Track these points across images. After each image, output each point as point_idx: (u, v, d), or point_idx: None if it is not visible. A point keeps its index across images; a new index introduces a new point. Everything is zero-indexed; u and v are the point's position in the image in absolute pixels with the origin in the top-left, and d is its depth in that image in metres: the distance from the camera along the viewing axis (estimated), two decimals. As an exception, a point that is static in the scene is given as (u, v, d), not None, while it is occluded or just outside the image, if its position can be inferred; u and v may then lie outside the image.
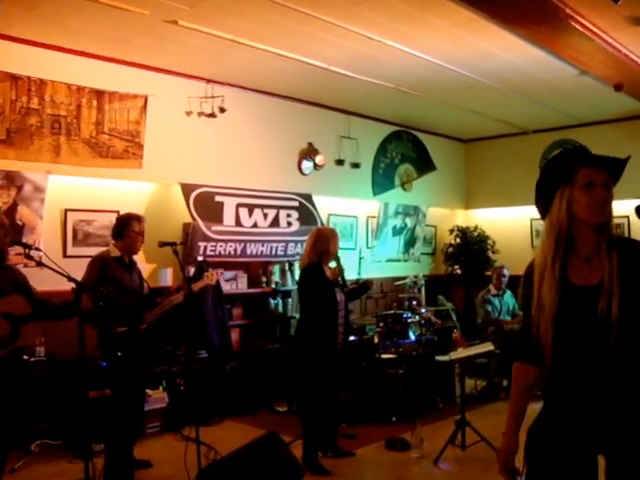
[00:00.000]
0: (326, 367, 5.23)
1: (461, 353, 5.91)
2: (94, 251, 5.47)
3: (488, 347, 5.97)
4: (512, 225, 10.88)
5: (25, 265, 5.64)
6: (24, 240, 5.55)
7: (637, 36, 5.95)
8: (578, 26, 5.58)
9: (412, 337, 7.19)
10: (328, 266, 5.38)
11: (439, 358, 6.47)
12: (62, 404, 5.66)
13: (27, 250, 4.26)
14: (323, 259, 5.35)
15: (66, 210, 6.48)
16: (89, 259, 5.01)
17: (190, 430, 4.85)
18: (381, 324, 7.30)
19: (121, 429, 4.93)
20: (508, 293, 8.07)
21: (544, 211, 2.49)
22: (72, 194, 6.52)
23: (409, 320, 7.28)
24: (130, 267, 5.06)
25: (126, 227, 4.99)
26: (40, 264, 4.29)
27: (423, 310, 7.59)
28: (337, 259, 5.44)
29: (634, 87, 7.51)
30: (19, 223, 6.05)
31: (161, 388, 6.41)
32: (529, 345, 2.37)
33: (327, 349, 5.23)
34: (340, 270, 5.41)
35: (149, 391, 6.11)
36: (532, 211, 9.88)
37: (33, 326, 4.34)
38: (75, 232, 6.54)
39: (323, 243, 5.38)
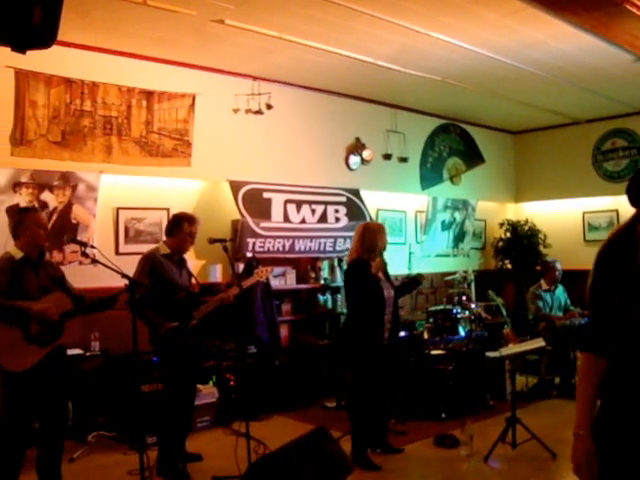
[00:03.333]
0: (373, 363, 5.21)
1: (512, 349, 5.82)
2: (145, 248, 5.58)
3: (539, 343, 5.86)
4: (564, 218, 10.68)
5: (80, 262, 5.82)
6: (79, 238, 5.70)
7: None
8: (635, 9, 5.40)
9: (462, 333, 7.12)
10: (376, 261, 5.32)
11: (489, 354, 6.40)
12: (116, 397, 5.80)
13: (83, 248, 4.38)
14: (370, 255, 5.31)
15: (118, 208, 6.62)
16: (140, 256, 5.10)
17: (240, 425, 4.93)
18: (431, 320, 7.24)
19: (173, 423, 5.02)
20: (560, 288, 7.92)
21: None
22: (123, 193, 6.66)
23: (459, 316, 7.20)
24: (180, 264, 5.14)
25: (177, 226, 5.08)
26: (95, 261, 4.39)
27: (473, 305, 7.49)
28: (380, 254, 5.39)
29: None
30: (74, 222, 6.22)
31: (211, 383, 6.49)
32: (602, 336, 2.19)
33: (373, 345, 5.20)
34: (383, 264, 5.38)
35: (200, 386, 6.19)
36: (584, 204, 9.73)
37: (80, 322, 4.45)
38: (127, 230, 6.67)
39: (371, 238, 5.35)
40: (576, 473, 2.21)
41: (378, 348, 5.22)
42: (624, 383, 2.13)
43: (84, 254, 4.38)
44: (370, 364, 5.20)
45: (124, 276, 4.11)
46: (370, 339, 5.20)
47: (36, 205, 5.82)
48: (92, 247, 4.60)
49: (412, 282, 5.94)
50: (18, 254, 4.31)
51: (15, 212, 4.79)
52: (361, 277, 5.29)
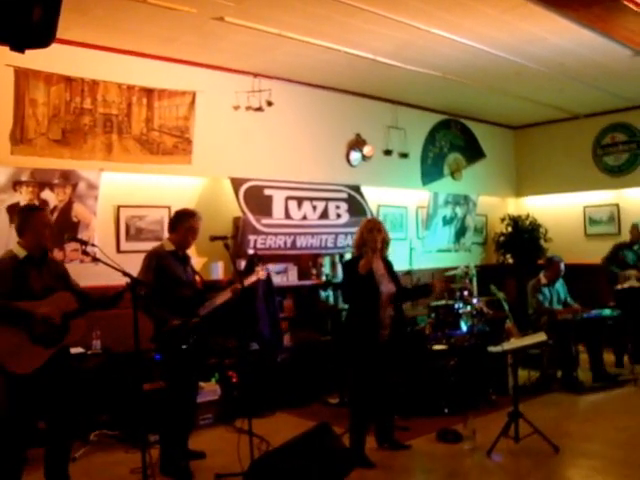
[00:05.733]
0: (369, 359, 5.19)
1: (514, 344, 5.82)
2: (147, 246, 5.59)
3: (541, 337, 5.86)
4: (564, 213, 10.71)
5: (81, 261, 5.82)
6: (79, 236, 5.69)
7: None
8: (632, 5, 5.42)
9: (464, 328, 7.13)
10: (366, 257, 5.24)
11: (491, 349, 6.39)
12: (118, 396, 5.80)
13: (84, 246, 4.37)
14: (363, 250, 5.27)
15: (119, 206, 6.63)
16: (142, 254, 5.11)
17: (242, 422, 4.93)
18: (432, 315, 7.25)
19: (175, 420, 5.03)
20: (560, 282, 7.91)
21: None
22: (124, 191, 6.67)
23: (460, 311, 7.21)
24: (184, 261, 5.15)
25: (179, 222, 5.09)
26: (96, 259, 4.40)
27: (475, 300, 7.49)
28: (381, 250, 5.35)
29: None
30: (74, 220, 6.22)
31: (214, 380, 6.50)
32: None
33: (368, 342, 5.18)
34: (384, 260, 5.40)
35: (202, 383, 6.19)
36: (585, 198, 9.76)
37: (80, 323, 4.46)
38: (128, 228, 6.68)
39: (362, 235, 5.34)
40: None
41: (374, 344, 5.19)
42: None
43: (85, 252, 4.37)
44: (366, 360, 5.18)
45: (125, 274, 4.11)
46: (364, 335, 5.17)
47: (36, 203, 5.82)
48: (93, 245, 4.59)
49: (422, 289, 5.93)
50: (21, 253, 4.30)
51: (21, 210, 4.79)
52: (350, 275, 5.29)
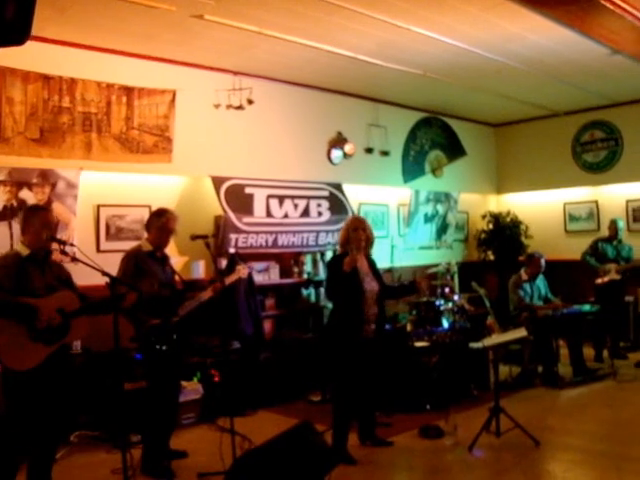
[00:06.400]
0: (352, 357, 5.20)
1: (494, 340, 5.86)
2: (127, 245, 5.56)
3: (521, 333, 5.91)
4: (545, 209, 10.80)
5: (60, 261, 5.77)
6: (59, 236, 5.65)
7: (670, 12, 5.82)
8: (608, 4, 5.46)
9: (445, 324, 7.15)
10: (350, 255, 5.23)
11: (472, 345, 6.44)
12: (99, 396, 5.77)
13: (62, 246, 4.35)
14: (347, 248, 5.28)
15: (99, 206, 6.59)
16: (122, 253, 5.09)
17: (225, 421, 4.92)
18: (414, 312, 7.28)
19: (157, 420, 5.01)
20: (540, 277, 7.97)
21: None
22: (104, 190, 6.63)
23: (442, 307, 7.24)
24: (163, 261, 5.13)
25: (153, 221, 5.09)
26: (75, 259, 4.37)
27: (456, 297, 7.53)
28: (364, 248, 5.37)
29: (668, 64, 7.37)
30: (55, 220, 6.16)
31: (196, 379, 6.48)
32: None
33: (350, 339, 5.19)
34: (368, 258, 5.42)
35: (184, 382, 6.18)
36: (565, 195, 9.84)
37: (82, 322, 4.42)
38: (108, 227, 6.65)
39: (347, 233, 5.35)
40: None
41: (358, 341, 5.20)
42: None
43: (63, 252, 4.34)
44: (350, 357, 5.20)
45: (104, 274, 4.09)
46: (348, 332, 5.19)
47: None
48: (71, 245, 4.56)
49: (408, 287, 5.94)
50: (25, 251, 4.29)
51: (25, 209, 4.80)
52: (334, 272, 5.30)
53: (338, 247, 5.54)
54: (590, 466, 4.98)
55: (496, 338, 5.94)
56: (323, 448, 4.15)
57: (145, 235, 5.26)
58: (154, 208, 5.84)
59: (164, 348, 4.83)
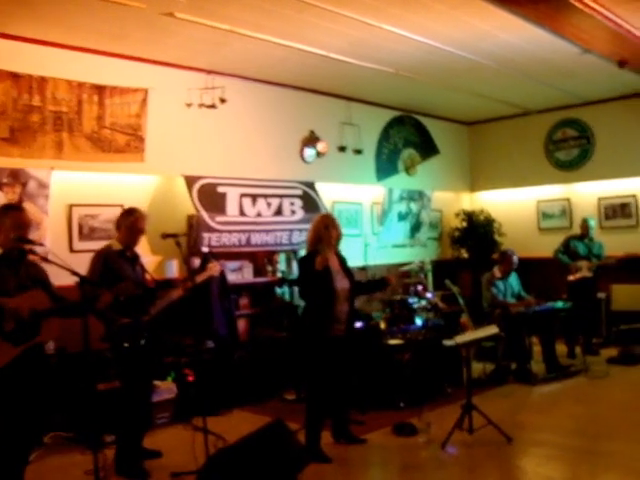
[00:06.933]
0: (324, 355, 5.21)
1: (465, 337, 5.89)
2: (100, 245, 5.50)
3: (492, 330, 5.97)
4: (518, 207, 10.90)
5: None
6: (31, 236, 5.58)
7: (639, 11, 5.86)
8: (577, 3, 5.51)
9: (418, 322, 7.20)
10: (322, 253, 5.24)
11: (445, 342, 6.48)
12: (73, 397, 5.72)
13: (30, 246, 4.30)
14: (319, 247, 5.28)
15: (71, 205, 6.53)
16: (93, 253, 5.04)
17: (199, 420, 4.91)
18: (387, 310, 7.31)
19: (130, 420, 4.99)
20: (513, 275, 8.04)
21: None
22: (76, 190, 6.57)
23: (415, 305, 7.29)
24: (133, 260, 5.10)
25: (123, 220, 5.06)
26: (44, 259, 4.32)
27: (429, 295, 7.58)
28: (334, 245, 5.41)
29: (638, 63, 7.44)
30: (29, 220, 6.08)
31: (170, 379, 6.45)
32: None
33: (322, 337, 5.20)
34: (339, 256, 5.45)
35: (158, 382, 6.16)
36: (538, 193, 9.94)
37: (53, 322, 4.37)
38: (81, 227, 6.59)
39: (315, 231, 5.37)
40: None
41: (329, 339, 5.21)
42: None
43: (31, 252, 4.30)
44: (323, 355, 5.21)
45: (74, 273, 4.06)
46: (321, 330, 5.20)
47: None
48: (40, 245, 4.51)
49: (378, 283, 5.96)
50: None
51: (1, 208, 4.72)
52: (305, 271, 5.31)
53: (306, 246, 5.51)
54: (561, 461, 5.05)
55: (468, 335, 5.98)
56: (295, 447, 4.16)
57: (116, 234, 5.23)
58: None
59: (133, 346, 4.81)
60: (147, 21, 5.81)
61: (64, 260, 4.18)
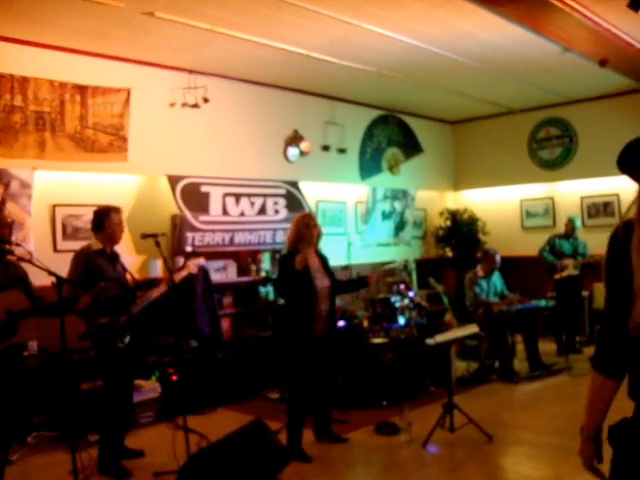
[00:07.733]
0: (305, 354, 5.23)
1: (446, 336, 5.92)
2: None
3: (473, 329, 6.00)
4: (502, 206, 10.94)
5: (17, 260, 5.69)
6: (13, 237, 5.57)
7: (619, 10, 5.85)
8: (556, 2, 5.54)
9: (401, 321, 7.23)
10: (302, 252, 5.26)
11: (426, 341, 6.51)
12: (56, 396, 5.71)
13: (7, 246, 4.30)
14: (299, 246, 5.30)
15: (54, 205, 6.51)
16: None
17: (183, 419, 4.91)
18: (370, 309, 7.34)
19: (112, 419, 4.99)
20: (496, 274, 8.08)
21: None
22: (60, 190, 6.56)
23: (397, 304, 7.31)
24: (113, 259, 5.10)
25: (105, 219, 5.03)
26: (20, 259, 4.32)
27: (412, 294, 7.61)
28: (314, 244, 5.42)
29: (619, 62, 7.50)
30: (8, 220, 6.03)
31: (154, 378, 6.45)
32: (616, 350, 2.06)
33: (303, 337, 5.22)
34: (319, 254, 5.47)
35: (142, 381, 6.16)
36: (522, 191, 9.96)
37: (31, 322, 4.36)
38: (64, 227, 6.58)
39: (296, 230, 5.38)
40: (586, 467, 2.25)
41: (310, 338, 5.23)
42: None
43: (9, 252, 4.29)
44: (304, 354, 5.23)
45: (50, 273, 4.05)
46: (301, 329, 5.22)
47: None
48: (17, 245, 4.49)
49: (358, 282, 5.97)
50: None
51: None
52: (285, 271, 5.32)
53: (287, 245, 5.52)
54: (541, 459, 5.07)
55: (448, 334, 6.01)
56: (275, 446, 4.18)
57: (93, 234, 5.21)
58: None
59: (113, 345, 4.81)
60: (127, 20, 5.79)
61: (48, 260, 4.18)
